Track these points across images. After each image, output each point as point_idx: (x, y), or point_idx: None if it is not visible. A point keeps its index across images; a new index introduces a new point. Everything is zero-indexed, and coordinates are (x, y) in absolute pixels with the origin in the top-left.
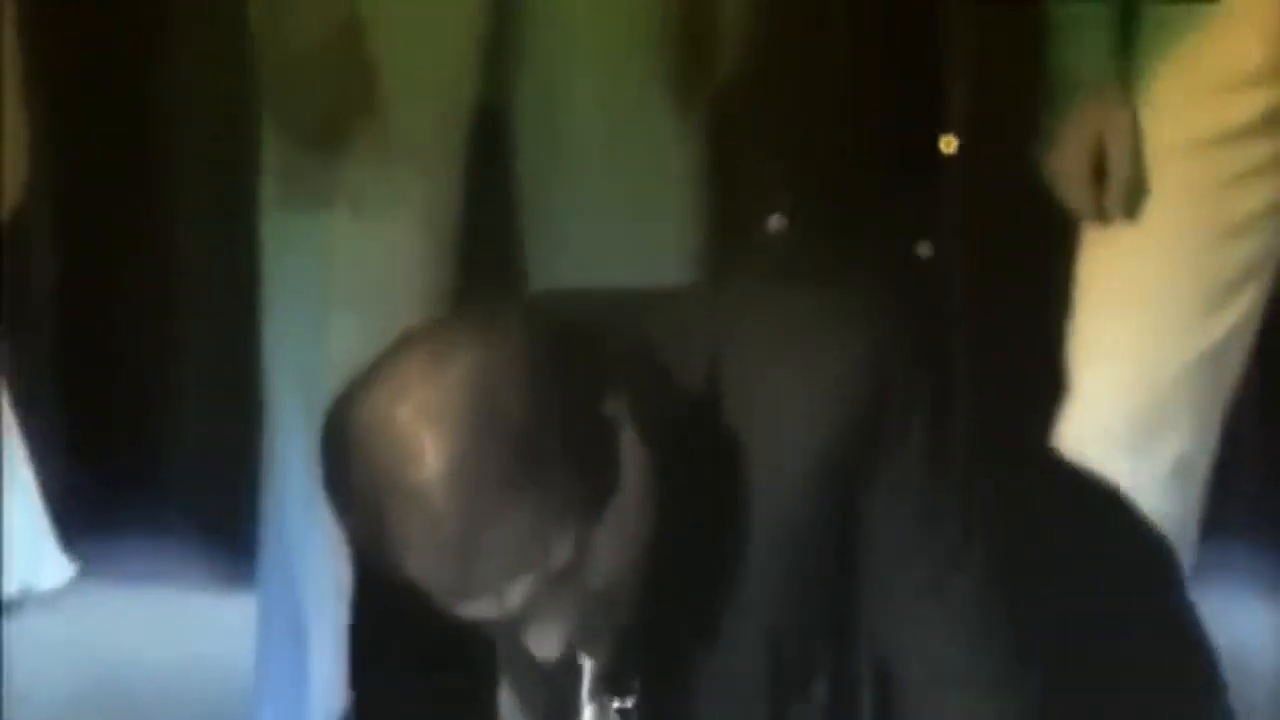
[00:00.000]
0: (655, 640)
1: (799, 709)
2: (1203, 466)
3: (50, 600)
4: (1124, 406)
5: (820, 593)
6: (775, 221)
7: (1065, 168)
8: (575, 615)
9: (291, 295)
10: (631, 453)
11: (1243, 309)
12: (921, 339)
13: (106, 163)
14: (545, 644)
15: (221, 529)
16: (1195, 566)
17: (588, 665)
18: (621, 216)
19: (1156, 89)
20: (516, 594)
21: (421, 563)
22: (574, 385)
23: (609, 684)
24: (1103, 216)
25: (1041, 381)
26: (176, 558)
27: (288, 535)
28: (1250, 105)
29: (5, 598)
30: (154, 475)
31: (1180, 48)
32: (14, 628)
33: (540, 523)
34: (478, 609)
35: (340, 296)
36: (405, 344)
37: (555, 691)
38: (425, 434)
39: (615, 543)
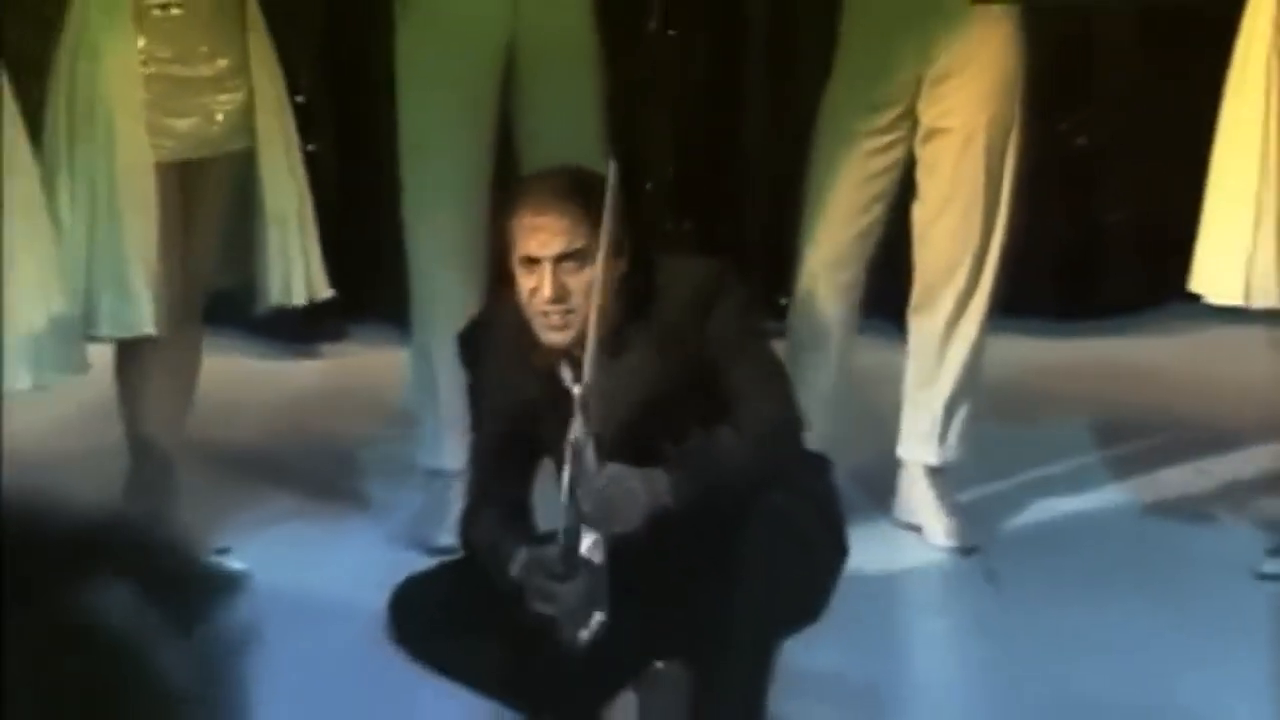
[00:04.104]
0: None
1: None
2: (861, 284)
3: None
4: (830, 254)
5: (690, 361)
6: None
7: None
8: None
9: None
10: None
11: (878, 211)
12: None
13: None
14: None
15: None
16: (861, 329)
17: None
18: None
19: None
20: (562, 234)
21: (529, 208)
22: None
23: (587, 418)
24: None
25: (785, 252)
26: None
27: (428, 332)
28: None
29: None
30: (373, 286)
31: None
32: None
33: (580, 218)
34: (542, 242)
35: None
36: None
37: (558, 417)
38: (548, 180)
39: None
